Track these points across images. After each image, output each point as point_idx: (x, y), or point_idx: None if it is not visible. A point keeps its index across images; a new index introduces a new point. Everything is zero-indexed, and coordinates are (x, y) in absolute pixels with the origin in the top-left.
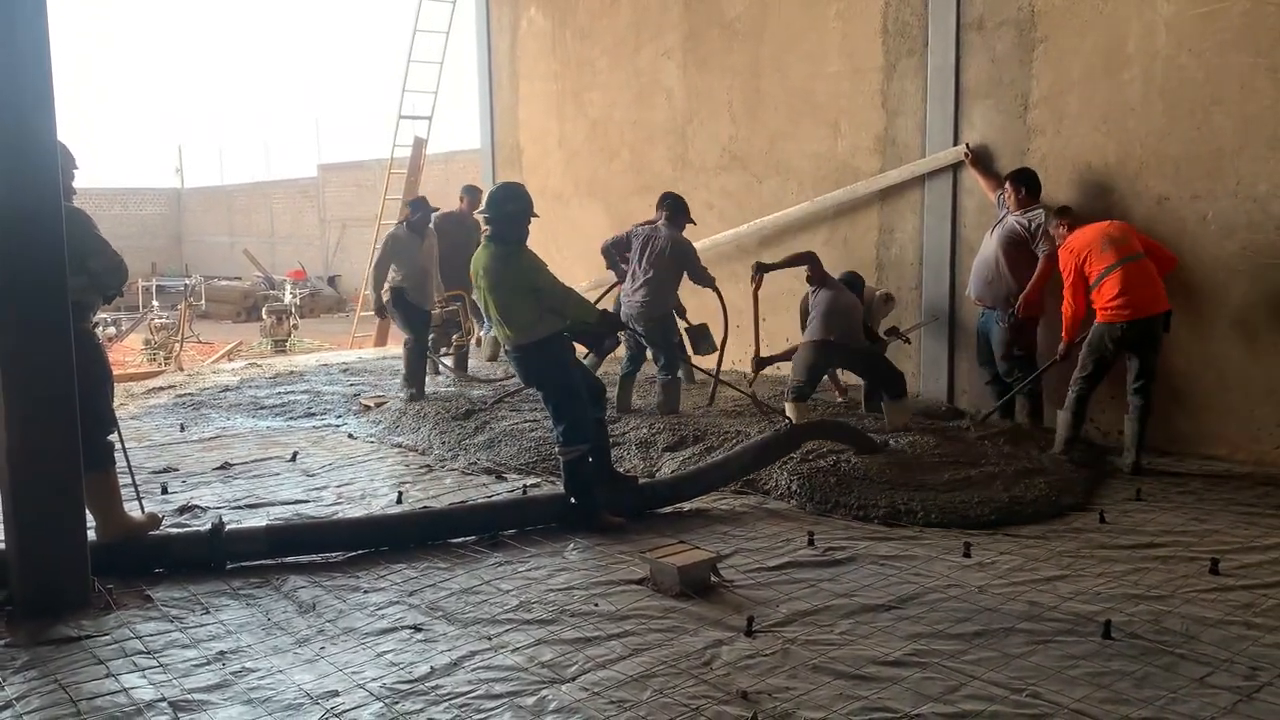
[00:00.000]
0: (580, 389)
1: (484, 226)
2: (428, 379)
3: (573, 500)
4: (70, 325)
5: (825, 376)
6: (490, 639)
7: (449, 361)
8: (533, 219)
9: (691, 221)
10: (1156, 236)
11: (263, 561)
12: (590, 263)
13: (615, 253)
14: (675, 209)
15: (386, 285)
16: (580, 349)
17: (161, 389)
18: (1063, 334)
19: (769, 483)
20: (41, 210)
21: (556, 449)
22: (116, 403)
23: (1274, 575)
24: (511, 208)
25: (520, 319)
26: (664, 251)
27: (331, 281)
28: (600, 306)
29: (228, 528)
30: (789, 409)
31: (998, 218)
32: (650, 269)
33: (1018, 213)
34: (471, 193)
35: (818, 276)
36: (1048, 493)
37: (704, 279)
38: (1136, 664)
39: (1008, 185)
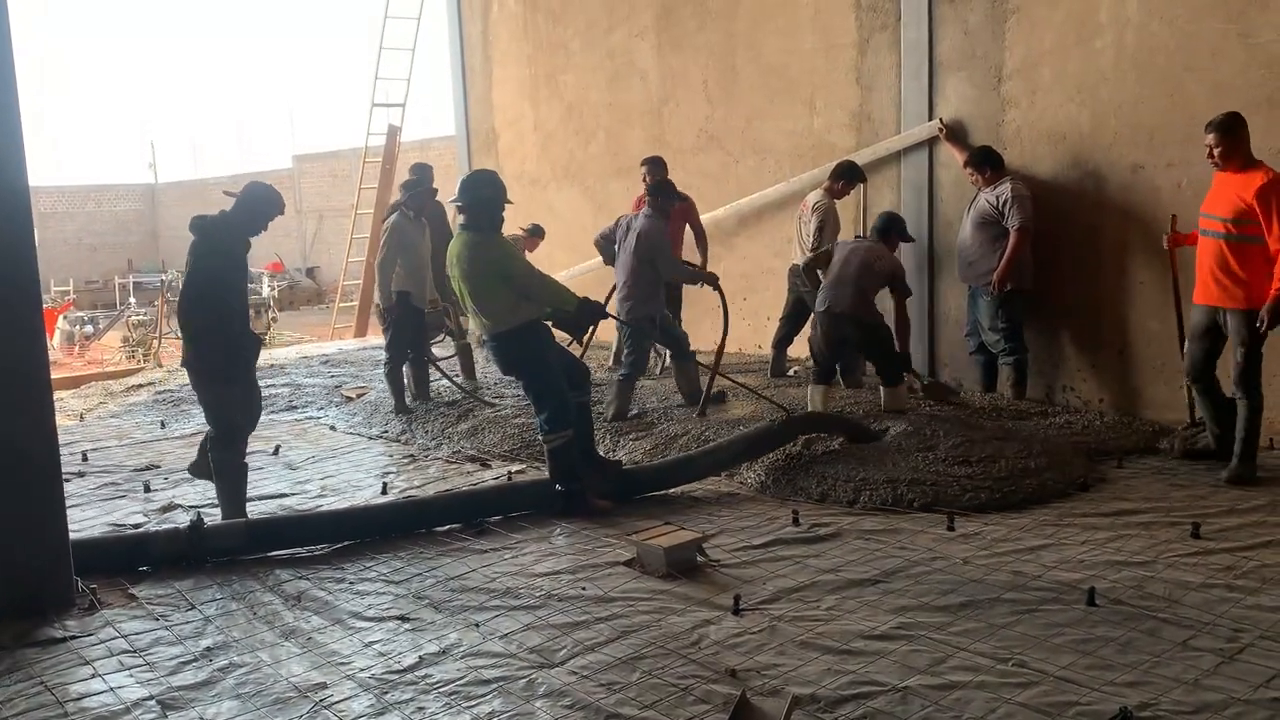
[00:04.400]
0: (558, 376)
1: (457, 214)
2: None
3: (559, 486)
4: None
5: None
6: (478, 626)
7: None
8: (506, 206)
9: (680, 198)
10: (1132, 205)
11: (247, 556)
12: (569, 248)
13: (606, 245)
14: (654, 190)
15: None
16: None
17: (141, 386)
18: (1273, 289)
19: (745, 475)
20: (10, 206)
21: (540, 436)
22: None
23: (1254, 538)
24: (486, 193)
25: (494, 308)
26: (635, 244)
27: (310, 273)
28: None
29: (207, 523)
30: (810, 393)
31: (974, 195)
32: (625, 265)
33: (987, 190)
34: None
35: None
36: (1049, 478)
37: (675, 269)
38: (1120, 630)
39: (970, 170)
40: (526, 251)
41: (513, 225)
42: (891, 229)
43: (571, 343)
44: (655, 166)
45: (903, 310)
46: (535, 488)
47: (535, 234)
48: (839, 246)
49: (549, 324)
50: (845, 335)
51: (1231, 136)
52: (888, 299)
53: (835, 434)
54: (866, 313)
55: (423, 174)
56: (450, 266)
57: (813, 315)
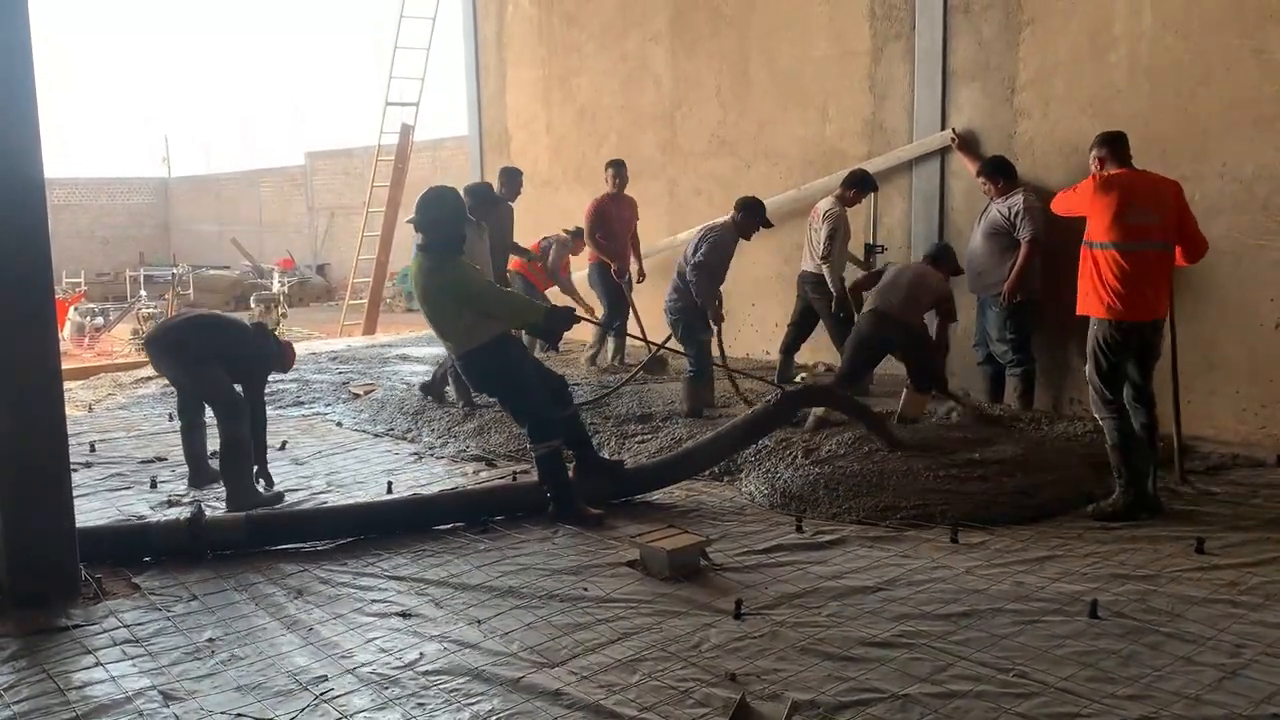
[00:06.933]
0: (534, 388)
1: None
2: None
3: (549, 494)
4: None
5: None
6: (480, 624)
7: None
8: (467, 223)
9: (766, 224)
10: None
11: (248, 550)
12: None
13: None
14: (740, 207)
15: None
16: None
17: (149, 379)
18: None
19: (748, 488)
20: (24, 198)
21: (528, 447)
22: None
23: (1259, 554)
24: (437, 214)
25: (455, 329)
26: (697, 243)
27: (320, 270)
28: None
29: (208, 516)
30: None
31: (985, 206)
32: (683, 262)
33: (999, 201)
34: (510, 176)
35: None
36: (1058, 491)
37: (700, 288)
38: (1123, 643)
39: (983, 180)
40: (570, 255)
41: (529, 227)
42: (942, 258)
43: (548, 350)
44: (620, 170)
45: (944, 333)
46: (539, 488)
47: (580, 237)
48: (892, 267)
49: (522, 335)
50: (888, 337)
51: (1110, 149)
52: None
53: (836, 410)
54: (915, 318)
55: (510, 179)
56: (413, 289)
57: (857, 316)
